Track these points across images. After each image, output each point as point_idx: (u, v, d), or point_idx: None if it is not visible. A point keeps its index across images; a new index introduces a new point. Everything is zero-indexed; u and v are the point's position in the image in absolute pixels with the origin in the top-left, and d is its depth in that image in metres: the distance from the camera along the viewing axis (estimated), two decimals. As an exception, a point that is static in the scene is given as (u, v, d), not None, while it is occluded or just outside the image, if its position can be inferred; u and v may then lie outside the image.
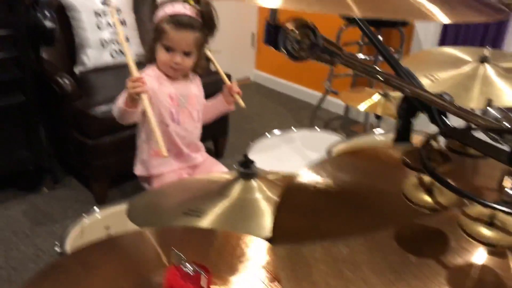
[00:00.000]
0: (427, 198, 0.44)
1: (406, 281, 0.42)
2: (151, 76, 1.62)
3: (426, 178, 0.45)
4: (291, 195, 0.54)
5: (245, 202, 1.04)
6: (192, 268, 0.48)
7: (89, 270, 0.56)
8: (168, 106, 1.65)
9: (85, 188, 2.49)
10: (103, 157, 2.27)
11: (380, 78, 0.70)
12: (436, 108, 0.77)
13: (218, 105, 1.82)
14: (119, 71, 2.60)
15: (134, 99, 1.50)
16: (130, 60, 1.49)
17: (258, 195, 1.06)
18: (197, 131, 1.76)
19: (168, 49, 1.59)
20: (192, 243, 0.59)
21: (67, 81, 2.25)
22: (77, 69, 2.57)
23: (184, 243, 0.59)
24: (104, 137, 2.23)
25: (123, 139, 2.20)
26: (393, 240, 0.46)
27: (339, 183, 0.56)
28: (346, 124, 3.49)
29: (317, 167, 0.61)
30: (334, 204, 0.52)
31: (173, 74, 1.66)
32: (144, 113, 1.53)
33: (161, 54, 1.61)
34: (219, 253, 0.58)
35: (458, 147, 0.48)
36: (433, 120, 0.78)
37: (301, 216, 0.51)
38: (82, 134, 2.26)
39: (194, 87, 1.74)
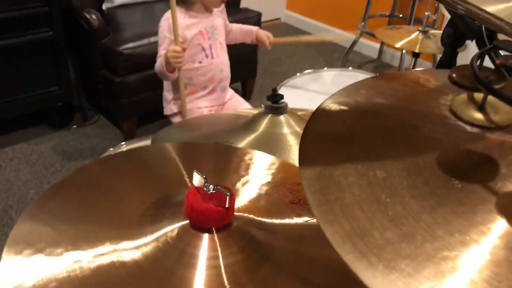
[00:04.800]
0: (479, 116, 0.39)
1: (449, 207, 0.38)
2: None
3: (477, 95, 0.40)
4: (320, 117, 0.50)
5: (272, 137, 1.01)
6: (214, 189, 0.45)
7: (113, 177, 0.55)
8: (200, 43, 1.62)
9: (114, 126, 2.50)
10: (131, 94, 2.25)
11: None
12: (487, 33, 0.70)
13: (246, 38, 1.83)
14: (147, 7, 2.54)
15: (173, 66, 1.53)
16: (176, 31, 1.47)
17: (286, 130, 1.02)
18: (227, 60, 1.75)
19: None
20: (215, 162, 0.57)
21: (94, 17, 2.21)
22: (105, 6, 2.52)
23: (207, 162, 0.56)
24: (131, 75, 2.21)
25: (151, 76, 2.17)
26: (436, 165, 0.42)
27: (375, 107, 0.51)
28: (380, 68, 3.36)
29: (350, 90, 0.56)
30: (370, 128, 0.48)
31: (219, 5, 1.66)
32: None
33: None
34: (243, 173, 0.55)
35: (514, 64, 0.42)
36: (482, 48, 0.70)
37: (332, 139, 0.47)
38: (110, 71, 2.24)
39: (218, 19, 1.70)
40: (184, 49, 1.50)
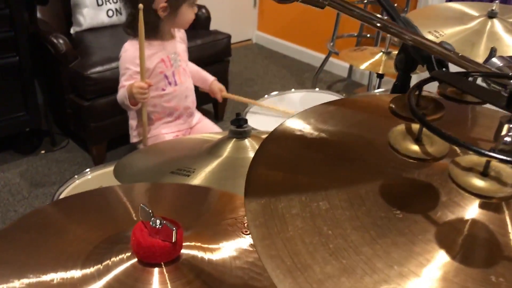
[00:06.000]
0: (415, 148, 0.39)
1: (390, 238, 0.38)
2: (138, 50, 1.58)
3: (415, 126, 0.40)
4: (268, 146, 0.50)
5: (236, 161, 1.01)
6: (160, 223, 0.45)
7: (62, 220, 0.54)
8: (163, 71, 1.62)
9: (83, 150, 2.46)
10: (100, 119, 2.23)
11: (377, 25, 0.65)
12: (436, 59, 0.72)
13: (199, 83, 1.85)
14: (115, 30, 2.54)
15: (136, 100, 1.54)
16: (143, 68, 1.47)
17: (251, 154, 1.02)
18: (192, 85, 1.76)
19: (194, 5, 1.59)
20: (166, 199, 0.56)
21: (62, 42, 2.19)
22: (73, 30, 2.51)
23: (157, 199, 0.55)
24: (100, 99, 2.19)
25: (120, 100, 2.17)
26: (378, 195, 0.42)
27: (323, 134, 0.51)
28: (350, 87, 3.42)
29: (300, 117, 0.56)
30: (316, 156, 0.48)
31: (186, 26, 1.68)
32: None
33: (190, 14, 1.60)
34: (195, 209, 0.54)
35: (452, 94, 0.43)
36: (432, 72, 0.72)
37: (279, 169, 0.47)
38: (78, 96, 2.22)
39: (180, 44, 1.71)
40: (150, 85, 1.50)
